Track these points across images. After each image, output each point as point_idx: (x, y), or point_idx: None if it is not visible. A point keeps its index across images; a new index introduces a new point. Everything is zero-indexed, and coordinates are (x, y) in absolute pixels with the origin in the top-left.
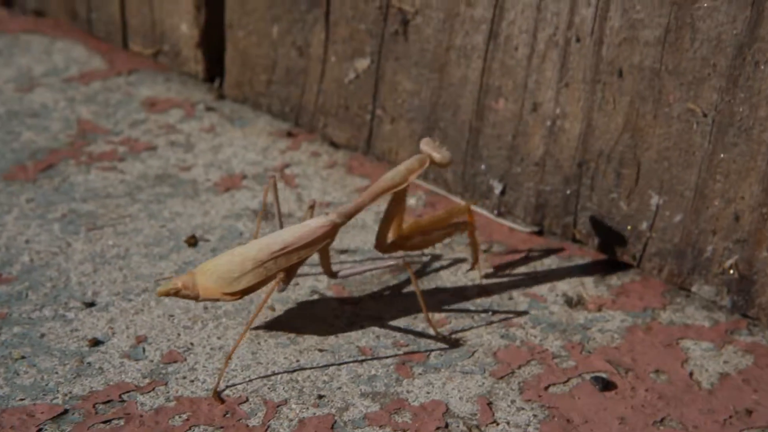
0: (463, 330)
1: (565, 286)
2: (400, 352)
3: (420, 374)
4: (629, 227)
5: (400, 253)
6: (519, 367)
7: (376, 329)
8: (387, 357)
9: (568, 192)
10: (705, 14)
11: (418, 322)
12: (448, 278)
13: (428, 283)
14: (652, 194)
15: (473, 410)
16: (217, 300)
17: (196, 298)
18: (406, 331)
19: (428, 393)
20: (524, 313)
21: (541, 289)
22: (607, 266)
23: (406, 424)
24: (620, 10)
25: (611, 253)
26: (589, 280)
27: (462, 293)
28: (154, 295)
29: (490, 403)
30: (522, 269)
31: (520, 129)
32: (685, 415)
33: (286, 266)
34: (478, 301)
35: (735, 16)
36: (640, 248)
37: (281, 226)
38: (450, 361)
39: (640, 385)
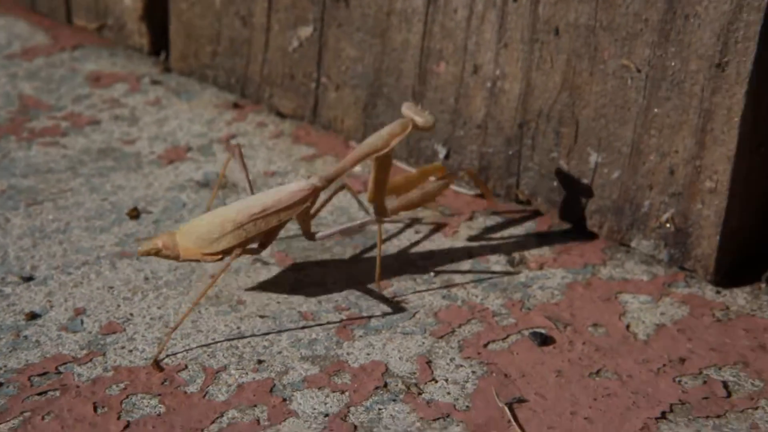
0: (405, 292)
1: (507, 246)
2: (342, 316)
3: (361, 336)
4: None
5: (372, 212)
6: (459, 326)
7: (319, 295)
8: (328, 321)
9: (510, 153)
10: None
11: (360, 287)
12: (391, 242)
13: (375, 248)
14: (591, 152)
15: (412, 369)
16: (198, 261)
17: (177, 258)
18: (348, 295)
19: (368, 354)
20: (467, 273)
21: (484, 250)
22: (549, 225)
23: (345, 385)
24: None
25: (553, 211)
26: (531, 240)
27: (405, 256)
28: (136, 255)
29: (429, 362)
30: (465, 231)
31: (462, 92)
32: (621, 365)
33: (265, 229)
34: (421, 263)
35: None
36: (584, 203)
37: (252, 194)
38: (391, 323)
39: (578, 338)
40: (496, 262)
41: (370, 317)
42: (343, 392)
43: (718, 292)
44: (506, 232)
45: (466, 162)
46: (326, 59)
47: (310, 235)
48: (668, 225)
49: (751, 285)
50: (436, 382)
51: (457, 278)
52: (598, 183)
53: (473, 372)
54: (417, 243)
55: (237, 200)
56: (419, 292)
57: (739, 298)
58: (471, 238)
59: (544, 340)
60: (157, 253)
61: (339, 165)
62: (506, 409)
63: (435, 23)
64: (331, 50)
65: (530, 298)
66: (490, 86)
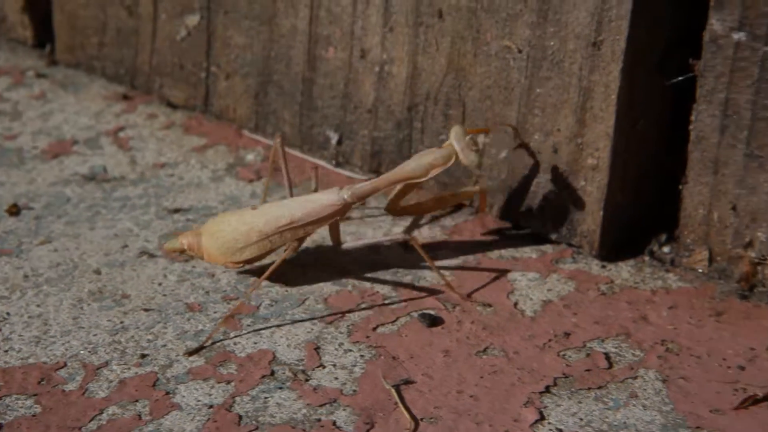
0: (295, 279)
1: (400, 229)
2: (230, 306)
3: (248, 326)
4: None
5: (406, 224)
6: (349, 311)
7: (207, 285)
8: (215, 312)
9: (401, 137)
10: None
11: (249, 276)
12: None
13: None
14: (479, 133)
15: (300, 356)
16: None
17: (201, 259)
18: (237, 285)
19: (255, 343)
20: (359, 258)
21: (376, 234)
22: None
23: (231, 375)
24: None
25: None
26: (423, 222)
27: None
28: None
29: (317, 348)
30: (358, 216)
31: (351, 77)
32: (507, 342)
33: (291, 240)
34: (313, 249)
35: None
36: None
37: (290, 189)
38: (280, 311)
39: (466, 318)
40: (388, 246)
41: (258, 306)
42: (228, 382)
43: (603, 267)
44: (399, 217)
45: (358, 147)
46: (215, 48)
47: (337, 244)
48: (554, 203)
49: (635, 258)
50: (324, 367)
51: (349, 263)
52: (487, 163)
53: (361, 356)
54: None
55: (262, 206)
56: (310, 278)
57: (624, 271)
58: (364, 223)
59: (433, 321)
60: (182, 252)
61: (374, 182)
62: (393, 391)
63: (321, 8)
64: (219, 38)
65: (421, 280)
66: (378, 70)
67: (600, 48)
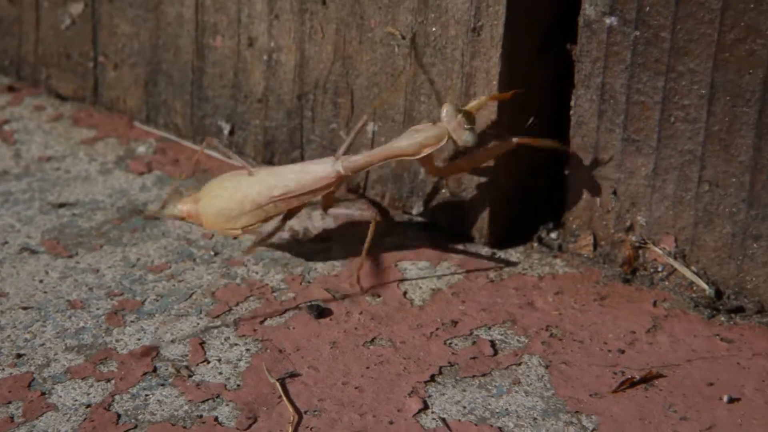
0: (184, 273)
1: (293, 220)
2: (114, 302)
3: (132, 322)
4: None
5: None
6: (237, 304)
7: (90, 281)
8: (98, 309)
9: (292, 126)
10: None
11: (135, 271)
12: (173, 222)
13: (154, 230)
14: (368, 121)
15: (185, 351)
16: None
17: (201, 226)
18: (122, 280)
19: (139, 340)
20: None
21: (268, 225)
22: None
23: (111, 373)
24: None
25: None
26: (316, 213)
27: (186, 237)
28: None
29: (202, 343)
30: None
31: (240, 66)
32: (395, 332)
33: (285, 209)
34: (202, 243)
35: None
36: (362, 175)
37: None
38: (166, 306)
39: (355, 309)
40: (279, 237)
41: (143, 301)
42: (108, 381)
43: (493, 254)
44: None
45: (250, 137)
46: (101, 37)
47: (325, 209)
48: (444, 191)
49: (524, 245)
50: (209, 362)
51: (239, 256)
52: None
53: (247, 350)
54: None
55: (259, 171)
56: (198, 270)
57: (513, 258)
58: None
59: (321, 313)
60: (183, 219)
61: (367, 156)
62: (278, 384)
63: None
64: (105, 27)
65: (311, 271)
66: (266, 59)
67: (480, 33)
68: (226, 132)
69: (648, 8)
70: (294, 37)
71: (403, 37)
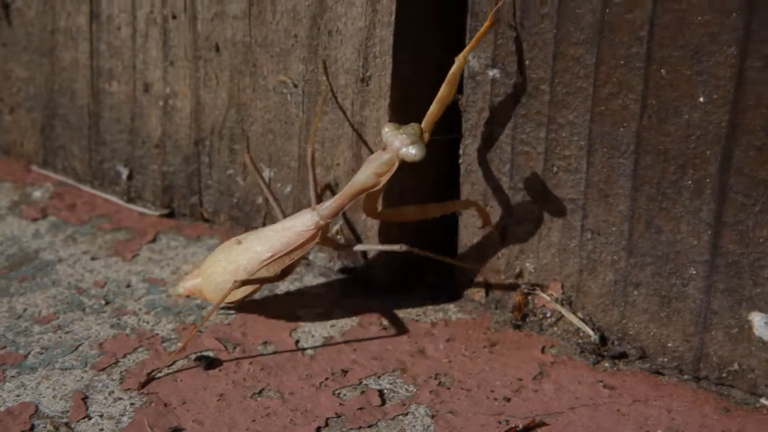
0: (72, 323)
1: (188, 267)
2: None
3: (13, 377)
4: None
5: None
6: (124, 356)
7: None
8: None
9: (190, 171)
10: None
11: (21, 322)
12: (63, 269)
13: (44, 278)
14: (264, 167)
15: (65, 407)
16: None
17: (206, 300)
18: (6, 332)
19: (18, 396)
20: (141, 299)
21: (163, 273)
22: None
23: None
24: None
25: (237, 229)
26: None
27: (77, 285)
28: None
29: (85, 398)
30: (146, 254)
31: (137, 111)
32: (284, 382)
33: (279, 270)
34: (94, 291)
35: None
36: (260, 222)
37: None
38: (50, 359)
39: (245, 359)
40: (174, 285)
41: (26, 355)
42: None
43: (387, 300)
44: (189, 252)
45: (149, 182)
46: None
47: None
48: (338, 236)
49: (418, 290)
50: (90, 418)
51: (130, 305)
52: (272, 199)
53: (132, 404)
54: (92, 270)
55: (246, 237)
56: (87, 322)
57: (406, 304)
58: (151, 261)
59: (211, 364)
60: (188, 296)
61: (337, 200)
62: None
63: (101, 41)
64: (0, 72)
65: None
66: (162, 104)
67: (368, 84)
68: (124, 176)
69: (528, 62)
70: (189, 84)
71: (295, 86)
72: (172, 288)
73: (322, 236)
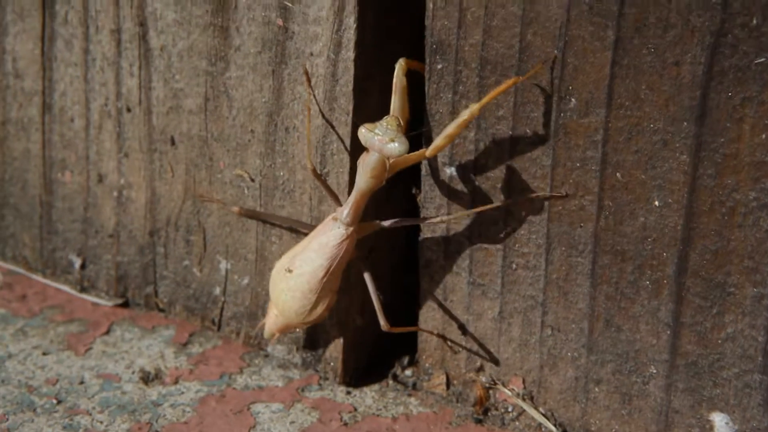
0: (22, 425)
1: (144, 360)
2: None
3: None
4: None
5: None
6: None
7: None
8: None
9: (145, 261)
10: (236, 83)
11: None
12: (13, 366)
13: None
14: (221, 259)
15: None
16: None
17: (296, 329)
18: None
19: None
20: (95, 396)
21: (118, 367)
22: (191, 333)
23: None
24: (162, 80)
25: (193, 320)
26: (169, 351)
27: (28, 383)
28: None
29: None
30: (100, 347)
31: (90, 201)
32: None
33: (338, 280)
34: (45, 389)
35: (261, 84)
36: (217, 313)
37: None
38: None
39: None
40: (129, 380)
41: None
42: None
43: (348, 393)
44: (144, 344)
45: (102, 272)
46: None
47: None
48: (297, 330)
49: (379, 383)
50: None
51: (84, 404)
52: (231, 290)
53: None
54: (43, 367)
55: (292, 263)
56: (38, 424)
57: (368, 397)
58: (105, 355)
59: None
60: (282, 333)
61: (350, 207)
62: None
63: (54, 132)
64: None
65: (160, 418)
66: (117, 195)
67: (327, 179)
68: (77, 266)
69: (483, 161)
70: (144, 175)
71: (252, 180)
72: (267, 333)
73: (354, 242)
